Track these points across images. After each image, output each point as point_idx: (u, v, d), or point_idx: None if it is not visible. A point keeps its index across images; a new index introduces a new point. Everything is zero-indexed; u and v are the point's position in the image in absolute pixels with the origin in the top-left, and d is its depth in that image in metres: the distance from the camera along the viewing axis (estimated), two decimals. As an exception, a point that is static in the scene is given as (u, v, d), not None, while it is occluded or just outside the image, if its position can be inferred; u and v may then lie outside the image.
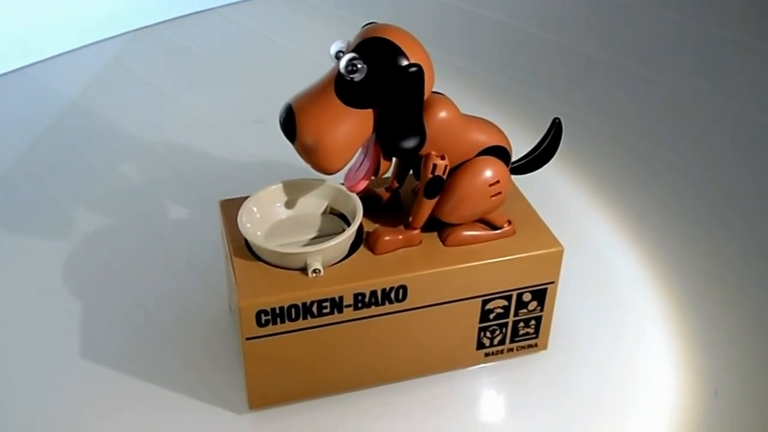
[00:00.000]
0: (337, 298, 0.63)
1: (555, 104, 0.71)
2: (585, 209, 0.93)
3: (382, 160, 0.63)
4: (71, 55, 1.24)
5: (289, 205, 0.69)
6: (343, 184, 0.67)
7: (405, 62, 0.59)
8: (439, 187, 0.64)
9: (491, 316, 0.69)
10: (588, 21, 1.34)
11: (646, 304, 0.80)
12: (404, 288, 0.65)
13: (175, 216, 0.90)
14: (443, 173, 0.64)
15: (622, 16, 1.36)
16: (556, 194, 0.93)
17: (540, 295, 0.70)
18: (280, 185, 0.69)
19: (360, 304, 0.64)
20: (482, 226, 0.68)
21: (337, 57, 0.59)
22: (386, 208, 0.70)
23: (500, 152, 0.67)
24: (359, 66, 0.58)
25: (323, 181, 0.69)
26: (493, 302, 0.69)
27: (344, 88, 0.59)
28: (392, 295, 0.65)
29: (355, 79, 0.59)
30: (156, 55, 1.25)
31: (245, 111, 1.09)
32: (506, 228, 0.69)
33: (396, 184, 0.71)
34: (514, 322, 0.71)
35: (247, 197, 0.68)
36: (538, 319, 0.71)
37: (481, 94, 1.09)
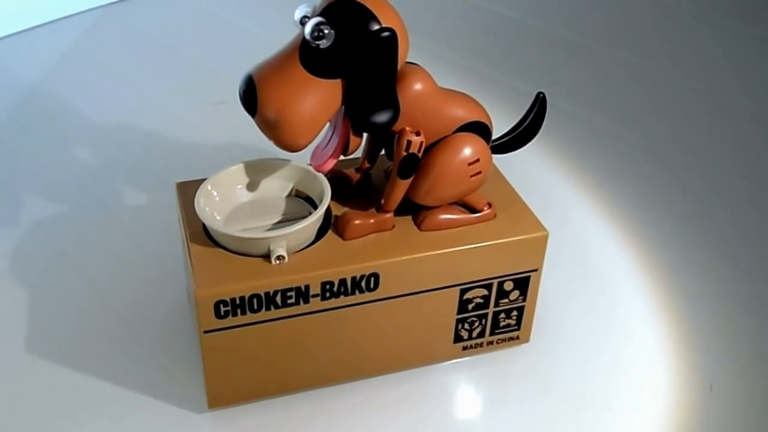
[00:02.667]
0: (303, 287, 0.58)
1: (531, 89, 0.66)
2: (567, 193, 0.88)
3: (351, 137, 0.58)
4: (24, 36, 1.17)
5: (251, 187, 0.64)
6: (310, 164, 0.61)
7: (376, 27, 0.53)
8: (413, 166, 0.59)
9: (470, 306, 0.64)
10: (564, 4, 1.29)
11: (635, 294, 0.75)
12: (376, 276, 0.60)
13: (131, 201, 0.85)
14: (418, 151, 0.59)
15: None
16: (536, 177, 0.89)
17: (522, 283, 0.65)
18: (241, 166, 0.63)
19: (328, 294, 0.59)
20: (460, 209, 0.63)
21: (302, 23, 0.54)
22: (356, 191, 0.65)
23: (480, 129, 0.62)
24: (326, 31, 0.53)
25: (288, 161, 0.63)
26: (472, 291, 0.64)
27: (310, 56, 0.54)
28: (363, 283, 0.60)
29: (322, 46, 0.53)
30: (111, 36, 1.19)
31: (205, 93, 1.04)
32: (486, 211, 0.64)
33: (367, 165, 0.65)
34: (494, 313, 0.66)
35: (205, 179, 0.62)
36: (520, 310, 0.67)
37: (451, 78, 1.03)
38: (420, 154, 0.59)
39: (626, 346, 0.70)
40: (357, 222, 0.61)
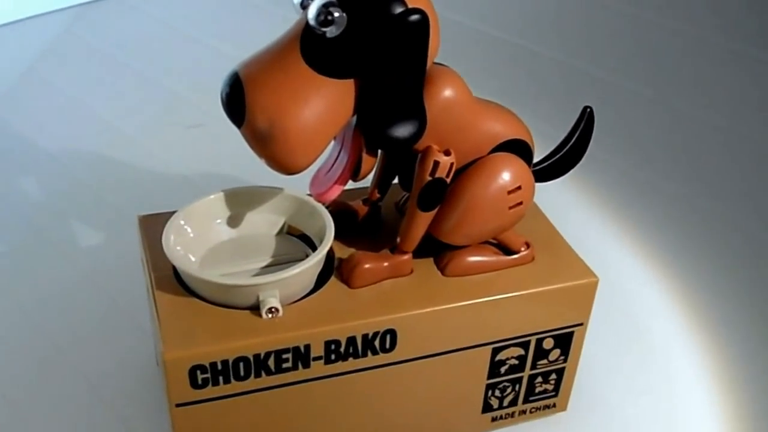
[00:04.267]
0: (302, 348, 0.46)
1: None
2: (603, 232, 0.76)
3: (364, 157, 0.46)
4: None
5: (234, 221, 0.52)
6: (309, 194, 0.49)
7: (401, 8, 0.42)
8: (440, 194, 0.48)
9: (502, 369, 0.52)
10: (580, 30, 1.19)
11: (686, 354, 0.63)
12: (392, 333, 0.47)
13: (89, 240, 0.72)
14: (447, 175, 0.47)
15: (615, 24, 1.21)
16: (565, 213, 0.76)
17: (564, 341, 0.53)
18: (221, 195, 0.51)
19: (333, 356, 0.47)
20: (493, 249, 0.52)
21: (304, 5, 0.42)
22: (364, 227, 0.53)
23: (521, 149, 0.50)
24: (336, 15, 0.41)
25: (279, 189, 0.51)
26: (506, 351, 0.52)
27: (315, 47, 0.42)
28: (376, 343, 0.47)
29: (330, 35, 0.42)
30: (61, 54, 1.06)
31: (174, 115, 0.91)
32: (524, 252, 0.52)
33: (377, 195, 0.53)
34: (530, 377, 0.54)
35: (175, 212, 0.50)
36: (560, 373, 0.55)
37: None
38: (449, 179, 0.47)
39: (675, 413, 0.58)
40: (367, 266, 0.48)
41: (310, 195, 0.49)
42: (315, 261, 0.47)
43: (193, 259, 0.49)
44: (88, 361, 0.59)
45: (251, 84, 0.42)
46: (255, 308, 0.46)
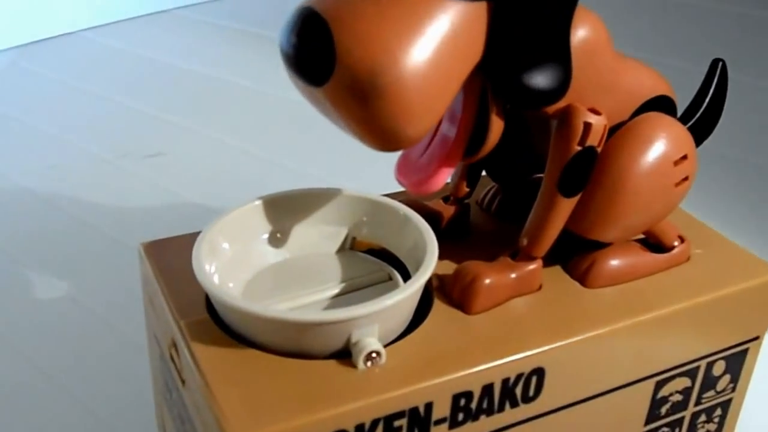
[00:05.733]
0: (421, 409, 0.31)
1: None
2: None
3: (492, 118, 0.32)
4: None
5: (282, 237, 0.37)
6: (400, 182, 0.34)
7: None
8: (588, 169, 0.33)
9: (663, 409, 0.38)
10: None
11: None
12: (539, 375, 0.33)
13: (89, 268, 0.55)
14: (599, 143, 0.33)
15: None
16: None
17: (736, 362, 0.40)
18: (261, 204, 0.36)
19: (461, 416, 0.32)
20: (638, 246, 0.38)
21: None
22: (449, 234, 0.38)
23: (667, 108, 0.36)
24: None
25: (336, 190, 0.37)
26: (671, 384, 0.38)
27: None
28: (517, 390, 0.33)
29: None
30: (19, 83, 0.89)
31: (132, 144, 0.75)
32: (679, 248, 0.38)
33: (465, 189, 0.39)
34: (692, 416, 0.40)
35: (196, 233, 0.35)
36: (725, 406, 0.41)
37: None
38: (600, 150, 0.33)
39: None
40: (488, 281, 0.34)
41: (401, 185, 0.34)
42: (422, 281, 0.32)
43: (233, 287, 0.34)
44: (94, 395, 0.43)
45: (338, 17, 0.28)
46: (342, 355, 0.31)
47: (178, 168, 0.71)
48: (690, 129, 0.39)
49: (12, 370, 0.48)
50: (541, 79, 0.30)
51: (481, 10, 0.29)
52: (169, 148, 0.74)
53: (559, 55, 0.31)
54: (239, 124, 0.79)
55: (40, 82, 0.89)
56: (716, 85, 0.40)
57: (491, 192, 0.41)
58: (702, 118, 0.40)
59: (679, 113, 0.39)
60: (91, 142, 0.75)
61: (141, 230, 0.55)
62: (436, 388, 0.31)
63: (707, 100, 0.40)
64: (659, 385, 0.37)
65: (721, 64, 0.40)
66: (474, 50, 0.29)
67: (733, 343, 0.39)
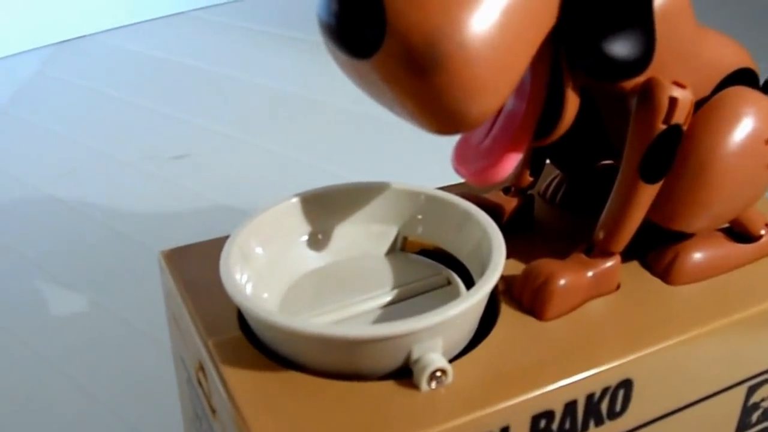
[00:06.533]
0: (496, 434, 0.26)
1: None
2: None
3: (569, 93, 0.27)
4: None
5: (324, 238, 0.32)
6: (458, 173, 0.30)
7: None
8: (673, 150, 0.29)
9: (755, 416, 0.34)
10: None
11: None
12: (627, 387, 0.29)
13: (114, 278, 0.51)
14: (685, 120, 0.28)
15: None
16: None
17: (832, 362, 0.35)
18: (297, 201, 0.32)
19: (541, 439, 0.28)
20: (721, 235, 0.33)
21: None
22: (513, 228, 0.34)
23: (752, 82, 0.32)
24: None
25: (384, 184, 0.32)
26: (764, 388, 0.33)
27: None
28: (603, 405, 0.28)
29: None
30: (40, 89, 0.86)
31: (158, 145, 0.72)
32: (766, 236, 0.33)
33: (529, 179, 0.35)
34: (784, 424, 0.35)
35: (224, 237, 0.30)
36: (818, 411, 0.36)
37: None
38: (686, 128, 0.29)
39: None
40: (563, 281, 0.30)
41: (460, 175, 0.30)
42: (490, 285, 0.28)
43: (265, 297, 0.30)
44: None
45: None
46: (401, 374, 0.27)
47: (205, 170, 0.67)
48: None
49: (46, 384, 0.44)
50: (623, 48, 0.26)
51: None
52: (193, 150, 0.71)
53: (643, 20, 0.27)
54: (264, 124, 0.76)
55: (60, 86, 0.86)
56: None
57: (555, 182, 0.37)
58: None
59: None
60: (113, 144, 0.72)
61: (167, 234, 0.51)
62: (513, 410, 0.27)
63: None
64: (751, 390, 0.33)
65: None
66: (548, 14, 0.25)
67: (832, 341, 0.34)
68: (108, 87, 0.84)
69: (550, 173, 0.37)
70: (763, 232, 0.34)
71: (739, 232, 0.34)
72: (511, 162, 0.28)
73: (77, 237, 0.58)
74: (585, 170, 0.36)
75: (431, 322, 0.26)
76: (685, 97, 0.28)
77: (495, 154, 0.28)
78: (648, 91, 0.28)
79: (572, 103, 0.28)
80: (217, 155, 0.69)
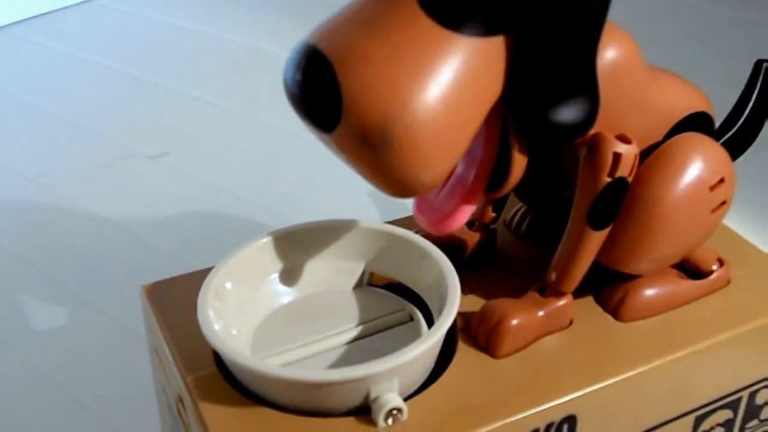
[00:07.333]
0: (448, 470, 0.29)
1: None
2: None
3: (514, 155, 0.29)
4: None
5: (293, 275, 0.35)
6: (417, 220, 0.32)
7: None
8: (619, 201, 0.31)
9: (704, 444, 0.36)
10: None
11: None
12: (571, 423, 0.31)
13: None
14: (630, 172, 0.30)
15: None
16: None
17: (780, 389, 0.37)
18: (270, 240, 0.34)
19: (492, 473, 0.30)
20: (674, 272, 0.35)
21: None
22: (476, 262, 0.36)
23: (704, 125, 0.34)
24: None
25: (351, 222, 0.34)
26: (712, 418, 0.35)
27: None
28: (550, 440, 0.30)
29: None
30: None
31: (136, 145, 0.73)
32: (717, 273, 0.35)
33: (491, 214, 0.37)
34: (734, 448, 0.37)
35: (204, 271, 0.33)
36: (768, 435, 0.38)
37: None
38: (631, 179, 0.31)
39: None
40: (516, 321, 0.32)
41: (418, 223, 0.32)
42: (444, 329, 0.30)
43: (238, 336, 0.32)
44: None
45: (344, 60, 0.25)
46: (361, 411, 0.29)
47: (185, 169, 0.68)
48: (730, 140, 0.37)
49: (37, 392, 0.47)
50: (567, 113, 0.28)
51: (499, 45, 0.27)
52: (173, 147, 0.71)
53: (586, 85, 0.28)
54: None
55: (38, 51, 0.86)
56: (760, 89, 0.37)
57: (520, 212, 0.39)
58: (743, 128, 0.37)
59: (718, 123, 0.36)
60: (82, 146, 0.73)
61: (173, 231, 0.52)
62: (463, 447, 0.29)
63: (749, 106, 0.37)
64: (699, 420, 0.35)
65: (765, 66, 0.37)
66: (492, 88, 0.27)
67: (776, 371, 0.36)
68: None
69: (516, 203, 0.39)
70: (714, 268, 0.36)
71: (690, 269, 0.35)
72: (464, 215, 0.30)
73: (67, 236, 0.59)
74: (549, 202, 0.38)
75: (388, 366, 0.28)
76: (628, 152, 0.30)
77: (449, 208, 0.30)
78: (593, 147, 0.30)
79: (519, 163, 0.29)
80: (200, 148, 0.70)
